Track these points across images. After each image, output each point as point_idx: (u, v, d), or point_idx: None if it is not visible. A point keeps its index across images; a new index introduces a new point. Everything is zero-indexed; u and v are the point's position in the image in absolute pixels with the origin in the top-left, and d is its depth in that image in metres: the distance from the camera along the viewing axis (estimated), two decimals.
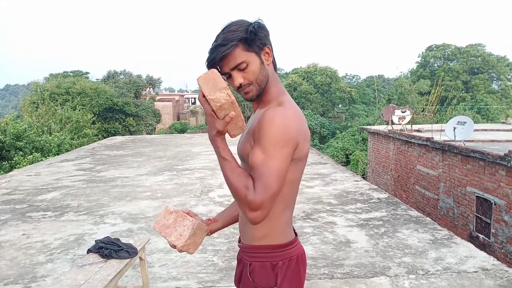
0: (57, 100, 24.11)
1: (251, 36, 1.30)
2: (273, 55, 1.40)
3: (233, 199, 1.67)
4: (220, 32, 1.32)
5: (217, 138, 1.31)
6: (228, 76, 1.36)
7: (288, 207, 1.42)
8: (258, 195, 1.22)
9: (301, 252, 1.47)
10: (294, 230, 1.51)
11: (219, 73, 1.27)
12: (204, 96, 1.25)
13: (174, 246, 1.45)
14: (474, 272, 3.49)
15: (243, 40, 1.30)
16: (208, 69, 1.32)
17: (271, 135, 1.26)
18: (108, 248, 2.76)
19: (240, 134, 1.42)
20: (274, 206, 1.33)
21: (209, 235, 1.58)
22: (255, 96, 1.38)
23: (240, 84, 1.34)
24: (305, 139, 1.37)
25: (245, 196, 1.23)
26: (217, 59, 1.31)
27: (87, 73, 39.91)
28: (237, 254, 1.58)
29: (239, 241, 1.54)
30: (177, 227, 1.47)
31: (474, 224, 9.08)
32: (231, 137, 1.36)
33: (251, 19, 1.36)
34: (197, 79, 1.24)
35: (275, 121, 1.27)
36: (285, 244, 1.41)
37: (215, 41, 1.32)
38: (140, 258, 3.01)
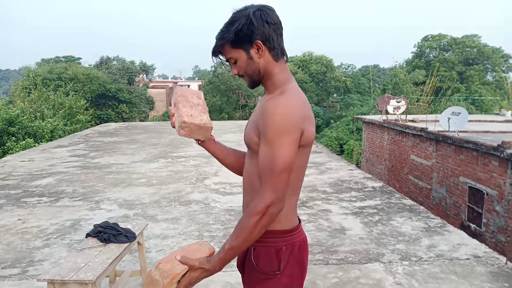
0: (49, 86, 23.84)
1: (235, 37, 1.39)
2: (272, 46, 1.41)
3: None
4: (224, 24, 1.43)
5: (217, 267, 1.35)
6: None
7: (294, 193, 1.45)
8: (267, 197, 1.29)
9: (304, 239, 1.50)
10: (297, 216, 1.53)
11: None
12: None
13: (173, 115, 1.54)
14: (466, 259, 3.56)
15: (229, 40, 1.40)
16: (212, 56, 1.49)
17: (275, 125, 1.30)
18: (107, 233, 2.77)
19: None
20: None
21: (198, 143, 1.63)
22: (251, 86, 1.49)
23: (235, 74, 1.47)
24: (310, 124, 1.40)
25: (261, 214, 1.30)
26: (213, 53, 1.47)
27: (79, 58, 39.40)
28: None
29: None
30: (194, 109, 1.54)
31: (466, 214, 9.20)
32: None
33: (259, 1, 1.43)
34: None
35: (277, 111, 1.32)
36: (289, 229, 1.44)
37: (218, 33, 1.44)
38: (138, 243, 3.02)
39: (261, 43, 1.40)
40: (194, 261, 1.34)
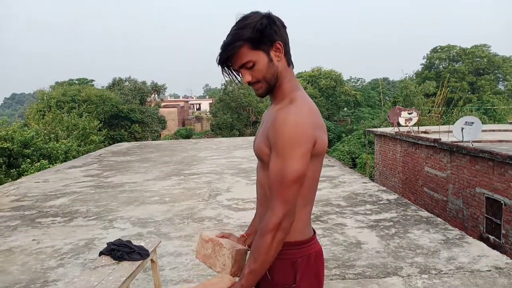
0: (63, 108, 24.28)
1: (257, 36, 1.30)
2: (286, 50, 1.38)
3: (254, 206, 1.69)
4: (232, 28, 1.33)
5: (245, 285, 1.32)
6: (239, 72, 1.38)
7: (308, 203, 1.41)
8: (278, 211, 1.26)
9: (319, 249, 1.46)
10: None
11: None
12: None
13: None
14: (488, 271, 3.45)
15: (249, 39, 1.30)
16: (218, 65, 1.36)
17: (286, 136, 1.25)
18: (120, 250, 2.76)
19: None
20: None
21: (249, 250, 1.55)
22: (265, 93, 1.40)
23: (249, 81, 1.36)
24: (323, 132, 1.36)
25: (274, 230, 1.27)
26: (223, 58, 1.34)
27: (92, 80, 40.18)
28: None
29: None
30: (218, 256, 1.49)
31: (484, 226, 8.99)
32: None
33: (266, 9, 1.37)
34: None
35: (288, 121, 1.26)
36: (304, 241, 1.40)
37: (226, 38, 1.33)
38: (152, 261, 3.00)
39: (281, 45, 1.35)
40: None
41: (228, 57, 1.33)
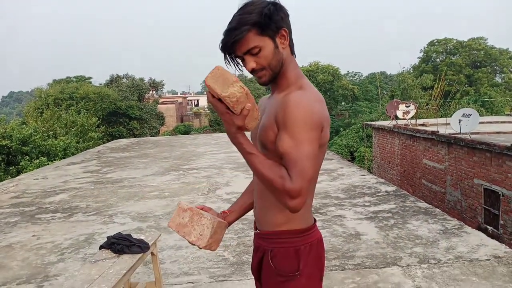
0: (61, 105, 24.22)
1: (265, 20, 1.26)
2: (290, 38, 1.36)
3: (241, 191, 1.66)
4: (236, 13, 1.30)
5: (238, 135, 1.24)
6: (242, 59, 1.34)
7: (310, 191, 1.40)
8: (296, 182, 1.17)
9: (320, 237, 1.46)
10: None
11: (224, 69, 1.23)
12: (213, 96, 1.20)
13: (193, 244, 1.43)
14: (487, 260, 3.47)
15: (256, 24, 1.26)
16: (221, 51, 1.32)
17: (298, 119, 1.22)
18: (120, 244, 2.76)
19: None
20: None
21: (228, 227, 1.53)
22: (268, 81, 1.36)
23: (253, 68, 1.32)
24: (328, 124, 1.33)
25: (282, 186, 1.18)
26: (229, 43, 1.29)
27: (90, 78, 40.05)
28: (253, 241, 1.56)
29: (255, 228, 1.52)
30: (195, 226, 1.42)
31: (483, 216, 9.03)
32: (248, 130, 1.29)
33: None
34: (205, 80, 1.19)
35: (301, 104, 1.23)
36: (306, 228, 1.40)
37: (229, 23, 1.29)
38: (152, 254, 3.01)
39: (287, 32, 1.33)
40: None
41: (233, 43, 1.28)
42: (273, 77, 1.35)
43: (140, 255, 2.75)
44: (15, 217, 5.43)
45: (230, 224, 1.57)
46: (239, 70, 1.40)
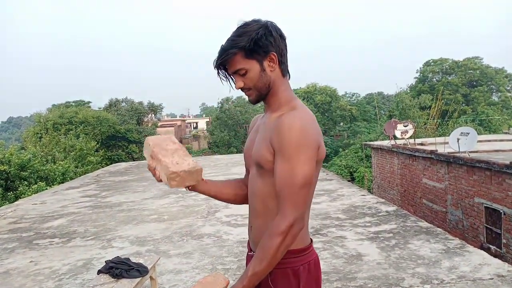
0: (60, 130, 24.26)
1: (251, 46, 1.33)
2: (282, 61, 1.40)
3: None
4: (231, 34, 1.37)
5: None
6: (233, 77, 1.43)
7: (307, 209, 1.42)
8: (291, 216, 1.25)
9: (317, 256, 1.47)
10: None
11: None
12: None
13: (154, 168, 1.43)
14: (490, 279, 3.43)
15: (243, 48, 1.33)
16: (214, 68, 1.41)
17: (293, 140, 1.26)
18: (119, 268, 2.73)
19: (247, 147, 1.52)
20: None
21: (189, 189, 1.48)
22: (255, 101, 1.43)
23: (241, 87, 1.40)
24: (322, 139, 1.39)
25: (284, 234, 1.25)
26: (217, 63, 1.38)
27: (89, 102, 40.32)
28: (246, 264, 1.54)
29: (250, 250, 1.51)
30: (175, 156, 1.41)
31: (485, 235, 8.95)
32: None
33: (268, 17, 1.40)
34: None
35: (295, 125, 1.27)
36: (303, 248, 1.40)
37: (223, 44, 1.37)
38: (151, 278, 2.97)
39: (275, 56, 1.37)
40: None
41: (221, 63, 1.38)
42: (260, 97, 1.42)
43: (139, 279, 2.72)
44: (12, 243, 5.37)
45: (194, 189, 1.50)
46: (231, 87, 1.46)
